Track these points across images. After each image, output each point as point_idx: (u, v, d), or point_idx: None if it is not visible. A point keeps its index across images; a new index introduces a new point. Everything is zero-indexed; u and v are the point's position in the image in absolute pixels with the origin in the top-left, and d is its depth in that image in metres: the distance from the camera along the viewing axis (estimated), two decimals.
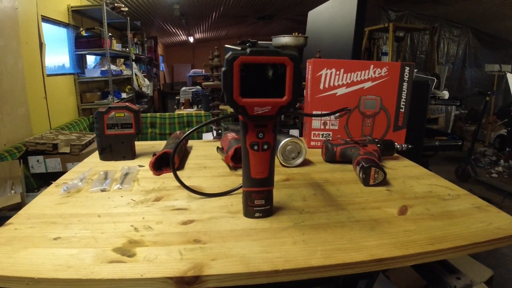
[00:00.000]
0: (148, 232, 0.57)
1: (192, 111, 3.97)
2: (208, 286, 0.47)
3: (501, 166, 4.53)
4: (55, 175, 2.62)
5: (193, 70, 8.89)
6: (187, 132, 0.72)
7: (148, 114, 3.41)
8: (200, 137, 1.81)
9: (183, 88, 4.86)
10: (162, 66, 10.52)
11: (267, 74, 0.53)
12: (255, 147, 0.57)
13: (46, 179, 2.78)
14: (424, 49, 6.67)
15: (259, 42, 1.65)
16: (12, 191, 2.23)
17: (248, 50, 0.49)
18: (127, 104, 0.95)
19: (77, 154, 2.73)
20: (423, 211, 0.67)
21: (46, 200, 0.71)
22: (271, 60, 0.51)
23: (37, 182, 2.77)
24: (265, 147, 0.57)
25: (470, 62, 7.77)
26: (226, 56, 0.49)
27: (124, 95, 5.26)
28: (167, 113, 3.45)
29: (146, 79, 6.53)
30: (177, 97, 5.03)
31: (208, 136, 1.59)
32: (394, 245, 0.54)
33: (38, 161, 2.73)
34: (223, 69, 0.50)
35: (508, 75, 3.47)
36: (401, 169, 0.93)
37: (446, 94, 3.64)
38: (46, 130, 3.24)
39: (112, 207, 0.67)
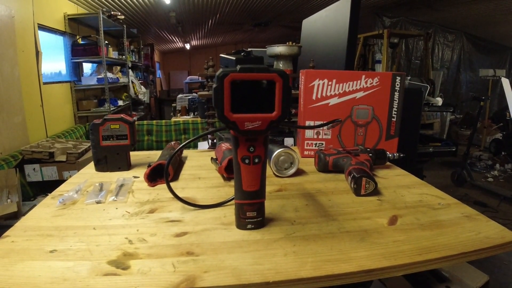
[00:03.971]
0: (142, 244, 0.58)
1: (189, 118, 3.97)
2: None
3: (497, 170, 4.56)
4: (51, 184, 2.63)
5: (189, 77, 8.89)
6: (181, 145, 0.73)
7: (145, 122, 3.42)
8: (196, 146, 1.82)
9: (180, 95, 4.87)
10: (158, 73, 10.53)
11: (257, 89, 0.54)
12: (246, 161, 0.58)
13: (42, 188, 2.78)
14: (419, 55, 6.71)
15: (254, 49, 1.66)
16: (9, 200, 2.24)
17: (238, 67, 0.51)
18: (122, 115, 0.96)
19: (74, 162, 2.73)
20: (413, 221, 0.68)
21: (42, 212, 0.72)
22: (261, 77, 0.52)
23: (33, 190, 2.77)
24: (256, 160, 0.59)
25: (465, 67, 7.81)
26: (217, 73, 0.51)
27: (120, 103, 5.27)
28: (163, 121, 3.46)
29: (142, 86, 6.54)
30: (173, 104, 5.04)
31: (203, 145, 1.60)
32: (383, 255, 0.55)
33: (34, 169, 2.73)
34: (214, 85, 0.51)
35: (503, 79, 3.49)
36: (392, 178, 0.94)
37: (439, 100, 3.66)
38: (42, 138, 3.25)
39: (107, 219, 0.68)
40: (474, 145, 5.64)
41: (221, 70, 0.51)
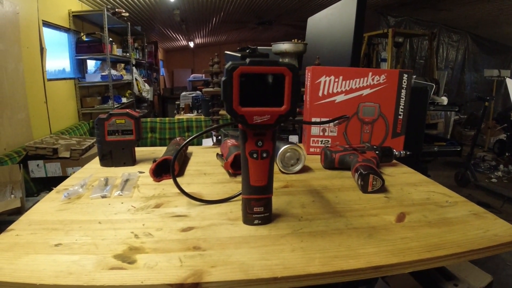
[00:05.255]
0: (148, 239, 0.58)
1: (192, 116, 3.97)
2: None
3: (501, 171, 4.54)
4: (55, 180, 2.63)
5: (193, 75, 8.91)
6: (188, 139, 0.73)
7: (148, 119, 3.42)
8: (200, 143, 1.81)
9: (183, 93, 4.87)
10: (162, 71, 10.53)
11: (266, 83, 0.53)
12: (254, 155, 0.58)
13: (46, 184, 2.78)
14: (423, 55, 6.69)
15: (259, 47, 1.66)
16: (12, 196, 2.24)
17: (247, 60, 0.50)
18: (127, 110, 0.96)
19: (77, 158, 2.74)
20: (420, 218, 0.67)
21: (47, 206, 0.71)
22: (270, 70, 0.52)
23: (37, 186, 2.77)
24: (264, 155, 0.58)
25: (469, 67, 7.79)
26: (226, 66, 0.50)
27: (124, 100, 5.27)
28: (167, 118, 3.46)
29: (146, 84, 6.54)
30: (177, 102, 5.04)
31: (208, 142, 1.59)
32: (392, 252, 0.54)
33: (38, 165, 2.73)
34: (223, 79, 0.50)
35: (507, 80, 3.48)
36: (399, 176, 0.93)
37: (445, 100, 3.65)
38: (46, 134, 3.25)
39: (113, 213, 0.68)
40: (478, 145, 5.61)
41: (230, 63, 0.50)
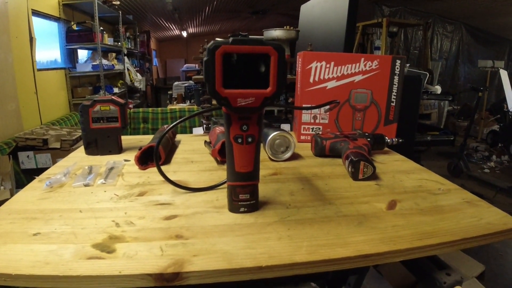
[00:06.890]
0: (130, 227, 0.56)
1: (185, 106, 3.93)
2: (189, 282, 0.45)
3: (493, 161, 4.55)
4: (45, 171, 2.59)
5: (186, 65, 8.82)
6: (171, 126, 0.71)
7: (141, 109, 3.38)
8: (191, 131, 1.79)
9: (176, 83, 4.81)
10: (155, 61, 10.45)
11: (252, 65, 0.51)
12: (239, 140, 0.55)
13: (36, 175, 2.74)
14: (417, 45, 6.69)
15: (251, 36, 1.63)
16: (2, 187, 2.21)
17: (230, 39, 0.47)
18: (112, 97, 0.93)
19: (68, 149, 2.70)
20: (412, 206, 0.66)
21: (28, 195, 0.69)
22: (255, 49, 0.49)
23: (27, 178, 2.74)
24: (250, 140, 0.56)
25: (463, 58, 7.79)
26: (208, 45, 0.48)
27: (116, 90, 5.22)
28: (159, 108, 3.42)
29: (138, 74, 6.49)
30: (169, 92, 4.99)
31: (198, 130, 1.57)
32: (382, 240, 0.53)
33: (28, 156, 2.70)
34: (205, 58, 0.48)
35: (501, 71, 3.48)
36: (391, 163, 0.92)
37: (438, 89, 3.64)
38: (36, 125, 3.21)
39: (95, 202, 0.66)
40: (471, 136, 5.62)
41: (212, 42, 0.48)
